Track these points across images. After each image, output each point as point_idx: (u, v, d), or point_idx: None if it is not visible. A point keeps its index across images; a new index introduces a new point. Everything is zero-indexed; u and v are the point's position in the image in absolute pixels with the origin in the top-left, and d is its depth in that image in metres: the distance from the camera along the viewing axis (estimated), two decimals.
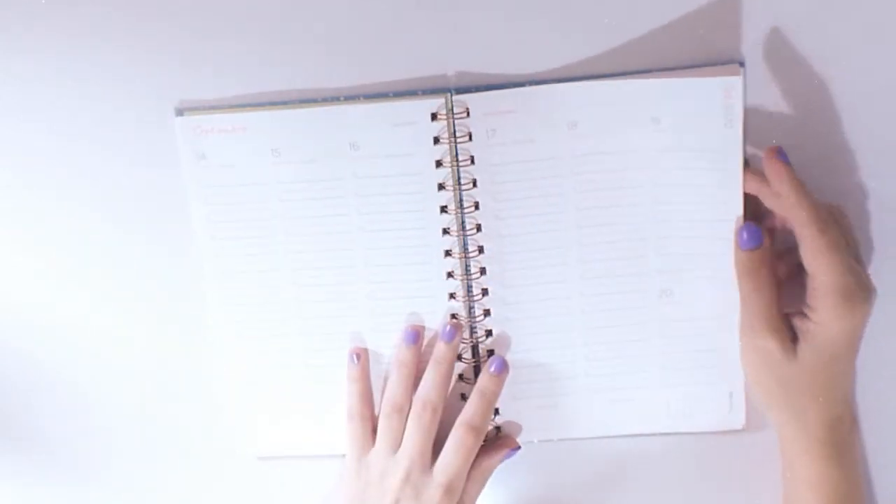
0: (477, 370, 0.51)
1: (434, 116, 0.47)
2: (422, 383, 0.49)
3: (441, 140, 0.47)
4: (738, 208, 0.45)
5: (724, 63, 0.45)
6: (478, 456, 0.50)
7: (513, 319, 0.50)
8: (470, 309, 0.50)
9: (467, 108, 0.46)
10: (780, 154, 0.43)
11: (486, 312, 0.50)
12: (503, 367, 0.50)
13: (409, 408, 0.49)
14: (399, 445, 0.49)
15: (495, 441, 0.52)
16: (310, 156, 0.48)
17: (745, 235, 0.45)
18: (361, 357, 0.51)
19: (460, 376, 0.51)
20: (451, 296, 0.50)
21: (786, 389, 0.45)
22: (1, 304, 0.53)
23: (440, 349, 0.49)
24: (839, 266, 0.42)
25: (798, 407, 0.45)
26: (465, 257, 0.49)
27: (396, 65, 0.47)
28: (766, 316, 0.44)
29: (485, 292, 0.49)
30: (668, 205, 0.47)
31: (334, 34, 0.47)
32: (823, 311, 0.42)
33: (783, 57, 0.46)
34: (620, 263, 0.48)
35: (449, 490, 0.48)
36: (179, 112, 0.48)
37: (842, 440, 0.45)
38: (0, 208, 0.51)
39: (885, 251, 0.48)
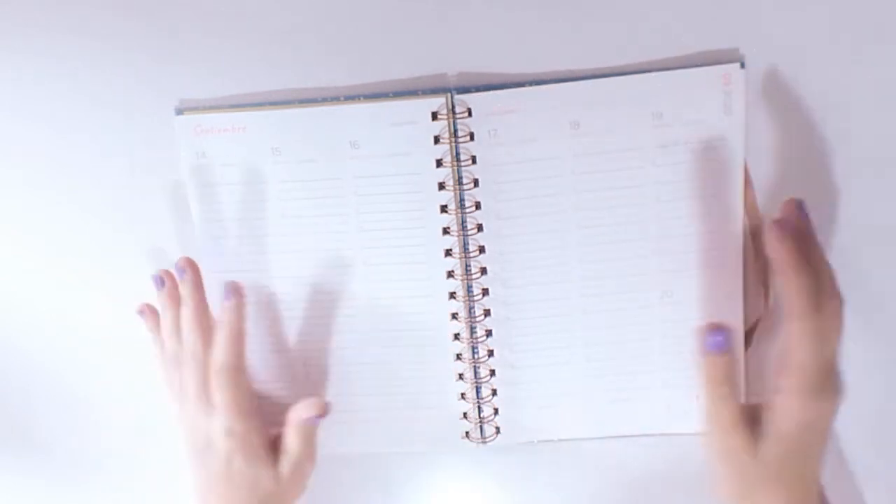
0: (477, 370, 0.51)
1: (434, 116, 0.47)
2: (213, 348, 0.48)
3: (441, 140, 0.47)
4: (739, 200, 0.46)
5: (724, 63, 0.45)
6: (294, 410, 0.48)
7: (513, 319, 0.50)
8: (470, 309, 0.50)
9: (469, 108, 0.46)
10: (785, 223, 0.40)
11: (487, 312, 0.50)
12: (232, 292, 0.48)
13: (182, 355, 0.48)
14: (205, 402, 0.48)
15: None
16: (310, 155, 0.48)
17: (708, 339, 0.43)
18: (167, 283, 0.50)
19: (460, 375, 0.51)
20: (451, 295, 0.50)
21: (750, 486, 0.43)
22: (1, 304, 0.53)
23: (222, 308, 0.48)
24: (819, 355, 0.39)
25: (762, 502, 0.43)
26: (466, 257, 0.49)
27: (396, 65, 0.47)
28: (730, 419, 0.42)
29: (485, 292, 0.49)
30: (670, 202, 0.47)
31: (334, 34, 0.47)
32: (789, 395, 0.40)
33: (783, 57, 0.46)
34: (621, 264, 0.48)
35: (230, 433, 0.46)
36: (179, 111, 0.48)
37: None
38: (0, 208, 0.52)
39: (882, 247, 0.48)
